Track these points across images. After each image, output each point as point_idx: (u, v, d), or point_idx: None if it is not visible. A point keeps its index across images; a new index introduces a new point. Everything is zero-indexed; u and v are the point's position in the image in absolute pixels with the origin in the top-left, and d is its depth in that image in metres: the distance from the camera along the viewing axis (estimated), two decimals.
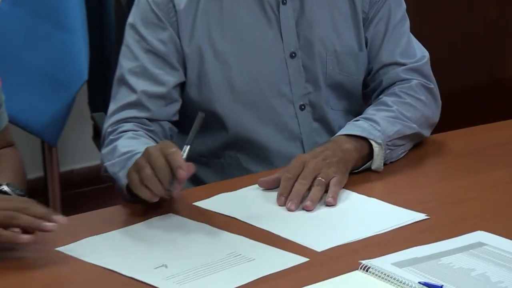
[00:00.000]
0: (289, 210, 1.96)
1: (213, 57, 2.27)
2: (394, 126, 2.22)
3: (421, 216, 1.91)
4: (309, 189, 2.00)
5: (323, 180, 2.01)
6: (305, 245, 1.80)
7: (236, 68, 2.27)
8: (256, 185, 2.11)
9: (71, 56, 3.80)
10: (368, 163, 2.17)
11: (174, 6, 2.25)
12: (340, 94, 2.36)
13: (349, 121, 2.31)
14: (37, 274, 1.72)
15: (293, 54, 2.28)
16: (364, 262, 1.67)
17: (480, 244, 1.77)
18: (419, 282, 1.59)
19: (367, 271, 1.65)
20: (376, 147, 2.15)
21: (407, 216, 1.92)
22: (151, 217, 1.96)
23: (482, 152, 2.31)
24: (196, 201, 2.05)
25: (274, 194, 2.05)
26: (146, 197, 1.89)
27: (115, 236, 1.89)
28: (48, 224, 1.72)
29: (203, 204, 2.04)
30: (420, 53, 2.41)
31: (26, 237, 1.70)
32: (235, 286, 1.64)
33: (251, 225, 1.91)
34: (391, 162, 2.23)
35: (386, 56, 2.36)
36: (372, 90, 2.41)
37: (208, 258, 1.76)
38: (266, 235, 1.86)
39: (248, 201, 2.07)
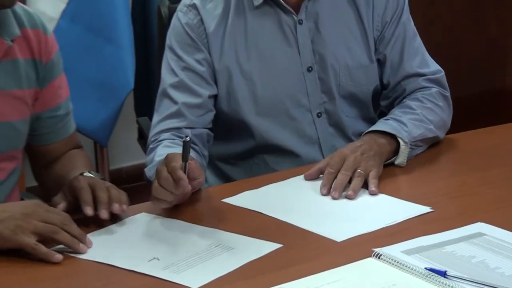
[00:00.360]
0: (333, 198, 1.99)
1: (239, 74, 2.27)
2: (418, 129, 2.22)
3: (426, 209, 1.92)
4: (350, 180, 2.01)
5: (363, 172, 2.02)
6: (325, 236, 1.81)
7: (260, 84, 2.27)
8: (277, 182, 2.13)
9: (120, 67, 3.81)
10: (393, 158, 2.17)
11: (205, 29, 2.25)
12: (352, 102, 2.35)
13: (360, 125, 2.34)
14: (37, 272, 1.68)
15: (310, 68, 2.28)
16: (376, 250, 1.68)
17: (480, 234, 1.77)
18: (425, 268, 1.59)
19: (379, 258, 1.66)
20: (403, 145, 2.16)
21: (413, 210, 1.93)
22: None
23: (484, 152, 2.30)
24: (224, 198, 2.06)
25: (292, 191, 2.09)
26: (158, 204, 1.92)
27: (105, 234, 1.86)
28: (83, 248, 1.73)
29: (231, 200, 2.05)
30: (435, 66, 2.41)
31: (59, 258, 1.69)
32: (225, 273, 1.65)
33: (277, 219, 1.91)
34: (409, 159, 2.22)
35: (407, 70, 2.35)
36: (393, 99, 2.39)
37: (193, 249, 1.77)
38: (290, 227, 1.87)
39: (271, 197, 2.08)
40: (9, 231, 1.67)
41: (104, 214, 1.82)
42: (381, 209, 1.96)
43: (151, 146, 2.23)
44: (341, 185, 2.00)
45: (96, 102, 3.74)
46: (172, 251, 1.77)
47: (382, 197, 2.02)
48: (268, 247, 1.77)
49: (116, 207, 1.84)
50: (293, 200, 2.04)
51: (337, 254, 1.72)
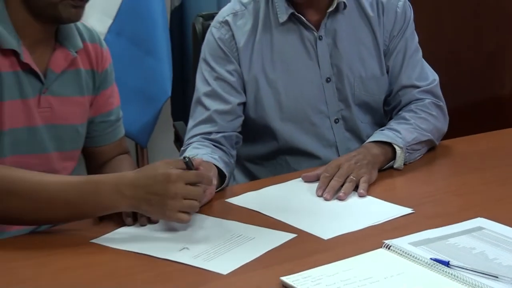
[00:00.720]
0: (325, 199, 1.98)
1: (266, 84, 2.28)
2: (412, 134, 2.22)
3: (407, 210, 1.90)
4: (342, 185, 2.00)
5: (354, 178, 2.02)
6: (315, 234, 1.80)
7: (284, 93, 2.28)
8: (278, 184, 2.12)
9: (158, 77, 3.83)
10: (391, 163, 2.17)
11: (235, 43, 2.26)
12: (366, 110, 2.35)
13: (373, 130, 2.33)
14: (79, 263, 1.66)
15: (328, 79, 2.28)
16: (386, 242, 1.68)
17: (480, 228, 1.78)
18: (431, 258, 1.60)
19: (388, 249, 1.66)
20: (398, 150, 2.16)
21: (396, 211, 1.91)
22: None
23: (483, 154, 2.31)
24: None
25: (291, 193, 2.08)
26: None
27: (136, 228, 1.84)
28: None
29: (234, 200, 2.04)
30: (432, 76, 2.40)
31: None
32: (250, 260, 1.65)
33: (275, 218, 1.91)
34: (410, 163, 2.22)
35: (404, 80, 2.35)
36: (393, 107, 2.39)
37: (218, 240, 1.76)
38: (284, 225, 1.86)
39: (272, 198, 2.07)
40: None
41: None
42: (367, 210, 1.96)
43: (182, 148, 2.25)
44: (333, 189, 2.00)
45: (138, 108, 3.76)
46: (200, 241, 1.75)
47: (371, 199, 2.01)
48: (284, 237, 1.77)
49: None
50: (290, 200, 2.04)
51: (348, 245, 1.72)
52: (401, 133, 2.20)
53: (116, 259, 1.66)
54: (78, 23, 2.03)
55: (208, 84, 2.28)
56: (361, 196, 2.00)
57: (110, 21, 3.73)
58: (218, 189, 2.04)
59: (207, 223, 1.86)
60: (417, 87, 2.36)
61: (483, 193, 2.02)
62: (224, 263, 1.64)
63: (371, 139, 2.19)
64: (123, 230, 1.80)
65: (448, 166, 2.31)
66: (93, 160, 2.16)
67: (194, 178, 1.72)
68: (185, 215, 1.71)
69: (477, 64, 4.15)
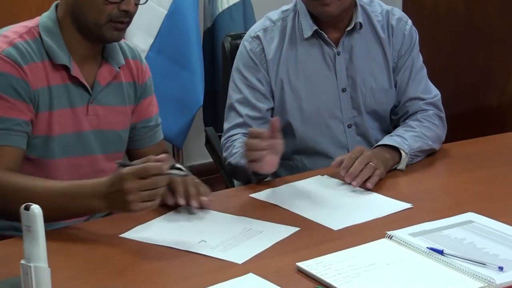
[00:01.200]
0: (354, 186, 2.01)
1: (290, 91, 2.27)
2: (417, 143, 2.21)
3: (407, 205, 1.90)
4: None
5: (373, 165, 2.02)
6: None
7: (305, 99, 2.27)
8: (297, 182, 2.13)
9: (192, 88, 3.85)
10: (396, 165, 2.17)
11: (265, 56, 2.26)
12: (375, 117, 2.34)
13: (381, 135, 2.33)
14: (91, 253, 1.66)
15: (344, 89, 2.28)
16: (388, 232, 1.69)
17: (470, 222, 1.77)
18: (427, 247, 1.60)
19: (390, 239, 1.67)
20: (403, 155, 2.16)
21: (397, 206, 1.91)
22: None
23: (474, 157, 2.28)
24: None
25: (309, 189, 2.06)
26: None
27: (158, 223, 1.83)
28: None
29: (257, 195, 2.04)
30: (435, 91, 2.40)
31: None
32: (261, 250, 1.66)
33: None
34: (410, 164, 2.21)
35: (411, 93, 2.34)
36: (400, 116, 2.38)
37: (231, 233, 1.76)
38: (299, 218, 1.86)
39: (290, 194, 2.06)
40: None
41: (194, 204, 1.82)
42: (372, 204, 1.95)
43: (227, 145, 2.24)
44: (356, 170, 2.00)
45: (174, 115, 3.77)
46: (215, 235, 1.74)
47: (375, 195, 2.00)
48: (288, 230, 1.77)
49: (204, 200, 1.84)
50: (305, 196, 2.03)
51: (356, 235, 1.72)
52: (408, 140, 2.19)
53: (143, 251, 1.67)
54: (122, 42, 2.05)
55: (240, 91, 2.28)
56: (367, 188, 2.00)
57: (151, 40, 3.76)
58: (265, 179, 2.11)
59: (220, 219, 1.85)
60: (422, 99, 2.36)
61: (473, 191, 2.01)
62: (238, 254, 1.64)
63: (382, 142, 2.19)
64: (147, 226, 1.80)
65: (443, 167, 2.30)
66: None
67: (143, 171, 1.65)
68: (148, 203, 1.65)
69: (469, 79, 4.14)
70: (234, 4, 3.88)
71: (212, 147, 2.52)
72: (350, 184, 2.02)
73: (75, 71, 1.89)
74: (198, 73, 3.84)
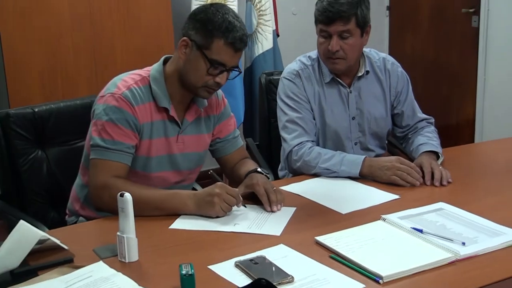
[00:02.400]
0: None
1: (319, 116, 2.20)
2: (439, 146, 2.18)
3: (396, 196, 1.87)
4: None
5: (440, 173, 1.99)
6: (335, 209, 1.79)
7: (327, 122, 2.20)
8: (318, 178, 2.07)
9: (235, 109, 3.80)
10: None
11: (304, 87, 2.19)
12: (375, 137, 2.28)
13: (378, 150, 2.30)
14: (173, 237, 1.59)
15: (353, 118, 2.22)
16: (383, 216, 1.67)
17: (441, 209, 1.75)
18: (411, 227, 1.59)
19: (384, 221, 1.65)
20: (441, 157, 2.12)
21: (388, 197, 1.88)
22: None
23: (451, 161, 2.17)
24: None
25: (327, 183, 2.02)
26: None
27: (188, 218, 1.71)
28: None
29: (286, 188, 1.97)
30: (424, 114, 2.37)
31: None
32: (283, 227, 1.64)
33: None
34: None
35: (418, 117, 2.31)
36: (407, 132, 2.32)
37: (254, 216, 1.72)
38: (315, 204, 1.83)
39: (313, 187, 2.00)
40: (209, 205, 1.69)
41: (274, 209, 1.75)
42: (370, 195, 1.91)
43: (302, 150, 2.11)
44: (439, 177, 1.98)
45: None
46: (242, 218, 1.70)
47: (372, 189, 1.96)
48: (289, 211, 1.75)
49: (279, 207, 1.77)
50: (321, 188, 1.99)
51: (356, 218, 1.70)
52: (436, 146, 2.16)
53: (194, 234, 1.61)
54: None
55: (296, 110, 2.18)
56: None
57: None
58: None
59: (241, 209, 1.75)
60: (424, 119, 2.33)
61: (442, 187, 1.96)
62: (271, 229, 1.62)
63: (426, 148, 2.14)
64: (183, 221, 1.70)
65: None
66: (227, 164, 2.08)
67: (231, 191, 1.70)
68: (222, 212, 1.68)
69: (437, 104, 4.11)
70: (267, 50, 3.86)
71: (251, 152, 2.50)
72: (356, 181, 1.99)
73: (172, 112, 1.88)
74: (240, 99, 3.82)
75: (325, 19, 2.06)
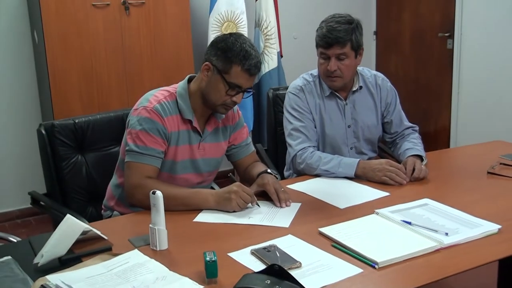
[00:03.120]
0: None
1: (319, 124, 2.20)
2: (422, 150, 2.16)
3: (386, 193, 1.85)
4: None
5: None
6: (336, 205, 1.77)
7: (326, 131, 2.20)
8: (319, 178, 2.05)
9: (246, 120, 3.75)
10: None
11: (307, 100, 2.18)
12: (368, 142, 2.27)
13: (371, 154, 2.28)
14: (198, 230, 1.58)
15: (349, 126, 2.21)
16: (376, 210, 1.66)
17: (426, 204, 1.73)
18: (401, 220, 1.58)
19: (377, 214, 1.64)
20: (425, 159, 2.10)
21: (380, 194, 1.85)
22: None
23: (432, 163, 2.13)
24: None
25: (329, 182, 2.00)
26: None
27: (208, 213, 1.70)
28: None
29: (293, 186, 1.96)
30: (411, 123, 2.35)
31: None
32: (291, 220, 1.63)
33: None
34: None
35: (405, 125, 2.30)
36: (398, 137, 2.29)
37: (266, 211, 1.70)
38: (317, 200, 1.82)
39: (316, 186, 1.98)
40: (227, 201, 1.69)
41: (283, 206, 1.74)
42: (364, 192, 1.89)
43: (305, 154, 2.09)
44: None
45: None
46: (256, 213, 1.69)
47: (366, 187, 1.93)
48: (295, 207, 1.74)
49: (288, 204, 1.77)
50: (323, 187, 1.96)
51: (353, 212, 1.69)
52: (420, 150, 2.14)
53: (214, 226, 1.61)
54: None
55: (299, 120, 2.18)
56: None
57: None
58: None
59: (255, 206, 1.73)
60: (409, 127, 2.31)
61: (428, 185, 1.95)
62: (281, 221, 1.62)
63: (412, 152, 2.11)
64: (208, 213, 1.70)
65: None
66: (240, 167, 2.07)
67: (247, 190, 1.71)
68: (238, 207, 1.68)
69: (417, 117, 4.09)
70: (272, 69, 3.85)
71: (260, 156, 2.48)
72: (352, 181, 1.98)
73: (195, 123, 1.89)
74: (249, 110, 3.80)
75: (325, 43, 2.07)
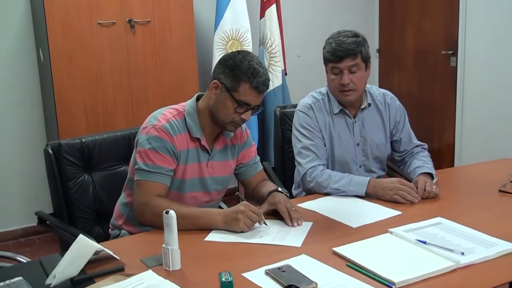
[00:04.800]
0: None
1: (328, 142, 2.20)
2: (432, 170, 2.14)
3: (398, 212, 1.83)
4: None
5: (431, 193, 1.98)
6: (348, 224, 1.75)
7: (335, 148, 2.19)
8: (330, 196, 2.04)
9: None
10: None
11: (316, 119, 2.19)
12: (377, 161, 2.27)
13: (380, 172, 2.28)
14: (208, 248, 1.59)
15: (358, 144, 2.21)
16: (390, 229, 1.65)
17: (440, 223, 1.72)
18: (416, 239, 1.56)
19: (391, 234, 1.63)
20: (435, 178, 2.10)
21: (392, 213, 1.84)
22: None
23: (441, 181, 2.12)
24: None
25: (340, 201, 1.99)
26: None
27: (219, 233, 1.68)
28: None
29: (304, 205, 1.95)
30: (419, 141, 2.35)
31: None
32: (303, 239, 1.62)
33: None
34: None
35: (414, 143, 2.30)
36: (407, 155, 2.29)
37: (277, 229, 1.69)
38: (330, 219, 1.80)
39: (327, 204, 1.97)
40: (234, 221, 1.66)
41: (295, 225, 1.73)
42: (377, 211, 1.86)
43: (315, 173, 2.09)
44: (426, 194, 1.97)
45: None
46: (266, 232, 1.67)
47: (379, 206, 1.91)
48: (307, 225, 1.71)
49: (300, 223, 1.74)
50: (334, 205, 1.95)
51: (366, 231, 1.67)
52: (431, 168, 2.14)
53: (226, 246, 1.59)
54: None
55: (301, 141, 2.18)
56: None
57: None
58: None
59: (262, 224, 1.71)
60: (419, 145, 2.32)
61: (440, 203, 1.94)
62: (293, 241, 1.60)
63: (423, 170, 2.12)
64: (219, 233, 1.68)
65: None
66: (249, 185, 2.07)
67: (254, 209, 1.68)
68: (246, 227, 1.65)
69: (421, 134, 4.09)
70: (277, 87, 3.87)
71: (268, 174, 2.47)
72: (363, 199, 1.97)
73: (204, 142, 1.88)
74: (254, 128, 3.79)
75: (336, 57, 2.07)
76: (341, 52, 2.06)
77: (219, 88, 1.81)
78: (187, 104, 1.92)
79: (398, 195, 1.94)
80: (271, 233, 1.67)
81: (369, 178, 2.03)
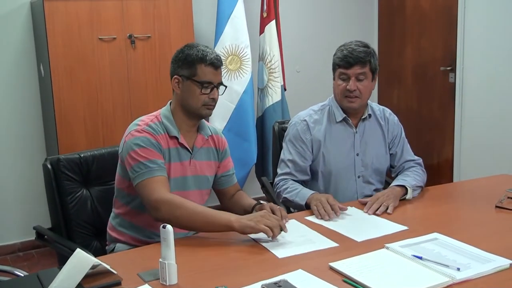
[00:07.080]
0: (368, 214, 1.98)
1: (321, 154, 2.23)
2: (413, 181, 2.18)
3: (403, 227, 1.85)
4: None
5: (385, 204, 2.01)
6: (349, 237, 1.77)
7: (332, 159, 2.23)
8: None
9: (249, 152, 3.83)
10: (404, 196, 2.13)
11: (310, 132, 2.23)
12: (376, 173, 2.29)
13: (379, 184, 2.31)
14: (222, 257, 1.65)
15: (358, 154, 2.24)
16: (386, 245, 1.65)
17: (436, 239, 1.73)
18: (412, 255, 1.57)
19: (388, 249, 1.63)
20: (409, 189, 2.13)
21: (395, 227, 1.85)
22: None
23: (439, 197, 2.19)
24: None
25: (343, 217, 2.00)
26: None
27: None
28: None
29: (310, 218, 1.98)
30: (415, 156, 2.38)
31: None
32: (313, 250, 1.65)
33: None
34: (413, 197, 2.17)
35: (405, 158, 2.33)
36: (398, 170, 2.32)
37: (289, 239, 1.73)
38: (333, 232, 1.82)
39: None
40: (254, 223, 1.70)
41: (283, 224, 1.76)
42: (379, 226, 1.88)
43: (280, 183, 2.22)
44: (372, 209, 1.99)
45: (237, 168, 3.67)
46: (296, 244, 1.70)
47: (383, 220, 1.94)
48: (327, 243, 1.73)
49: (285, 221, 1.82)
50: (336, 219, 1.96)
51: (363, 247, 1.68)
52: (408, 180, 2.17)
53: (222, 261, 1.63)
54: (208, 125, 2.08)
55: (290, 153, 2.25)
56: (388, 213, 1.98)
57: (225, 123, 3.78)
58: None
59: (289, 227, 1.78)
60: (412, 160, 2.35)
61: (436, 219, 1.96)
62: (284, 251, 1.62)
63: (395, 183, 2.17)
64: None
65: (419, 203, 2.15)
66: (224, 196, 2.13)
67: (276, 211, 1.81)
68: (268, 229, 1.68)
69: (420, 150, 4.10)
70: (276, 102, 3.91)
71: (266, 189, 2.49)
72: (367, 212, 2.00)
73: (182, 140, 1.95)
74: (253, 143, 3.84)
75: (346, 63, 2.15)
76: (352, 59, 2.13)
77: (180, 81, 1.93)
78: (162, 109, 2.01)
79: (315, 206, 1.99)
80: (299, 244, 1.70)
81: (312, 192, 2.09)
